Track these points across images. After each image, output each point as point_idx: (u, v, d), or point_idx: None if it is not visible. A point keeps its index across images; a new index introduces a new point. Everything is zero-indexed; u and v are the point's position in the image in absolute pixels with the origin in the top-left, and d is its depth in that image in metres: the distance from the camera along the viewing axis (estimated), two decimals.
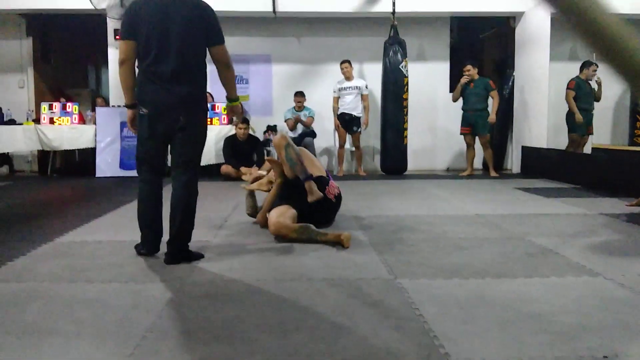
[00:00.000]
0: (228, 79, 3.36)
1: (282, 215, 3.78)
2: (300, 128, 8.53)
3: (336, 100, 8.39)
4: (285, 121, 8.64)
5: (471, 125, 8.12)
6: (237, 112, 3.58)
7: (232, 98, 3.46)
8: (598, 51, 0.37)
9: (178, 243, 3.22)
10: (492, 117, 8.06)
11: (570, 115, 8.18)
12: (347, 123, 8.29)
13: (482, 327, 2.17)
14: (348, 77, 8.30)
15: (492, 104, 8.11)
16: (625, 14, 7.47)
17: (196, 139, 3.26)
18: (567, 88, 8.14)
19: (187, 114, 3.17)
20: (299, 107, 8.58)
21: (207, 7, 3.24)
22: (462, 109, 8.20)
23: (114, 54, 8.13)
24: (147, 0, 3.17)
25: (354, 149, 8.61)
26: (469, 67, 8.10)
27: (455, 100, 8.25)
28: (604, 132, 9.64)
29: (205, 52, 3.27)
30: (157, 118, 3.18)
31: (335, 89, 8.40)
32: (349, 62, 8.33)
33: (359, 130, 8.34)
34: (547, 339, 2.05)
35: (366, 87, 8.35)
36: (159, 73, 3.13)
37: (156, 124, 3.19)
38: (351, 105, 8.26)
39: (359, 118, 8.31)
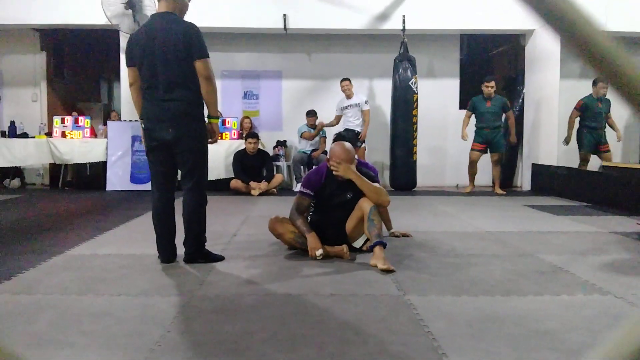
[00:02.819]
0: (207, 94, 3.50)
1: (282, 219, 3.86)
2: (316, 143, 8.58)
3: (338, 118, 8.44)
4: (301, 135, 8.68)
5: (487, 142, 8.07)
6: (211, 131, 3.63)
7: (209, 115, 3.61)
8: (591, 66, 0.38)
9: (190, 244, 3.55)
10: (513, 138, 8.12)
11: (578, 133, 8.18)
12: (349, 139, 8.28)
13: (491, 345, 2.16)
14: (349, 95, 8.31)
15: (510, 124, 8.10)
16: (617, 32, 7.49)
17: (192, 148, 3.50)
18: (574, 108, 8.14)
19: (177, 126, 3.43)
20: (311, 125, 8.65)
21: (190, 26, 3.47)
22: (477, 126, 8.11)
23: (125, 69, 8.21)
24: (140, 31, 3.57)
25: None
26: (493, 82, 7.96)
27: (465, 138, 8.15)
28: (615, 150, 9.59)
29: (192, 67, 3.45)
30: (152, 131, 3.49)
31: (337, 108, 8.44)
32: (349, 80, 8.34)
33: (363, 145, 8.34)
34: (557, 357, 2.04)
35: (366, 103, 8.33)
36: (152, 93, 3.46)
37: (152, 137, 3.50)
38: (353, 122, 8.28)
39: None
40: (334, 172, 3.72)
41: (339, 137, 4.34)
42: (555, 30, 0.38)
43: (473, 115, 8.16)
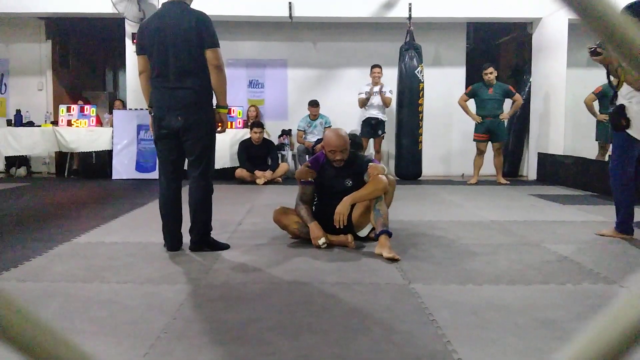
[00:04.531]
0: (217, 83, 3.51)
1: (287, 210, 3.88)
2: (321, 133, 8.55)
3: (362, 101, 8.30)
4: (299, 135, 8.65)
5: (489, 132, 7.91)
6: (220, 120, 3.64)
7: (218, 104, 3.61)
8: (615, 50, 0.37)
9: (196, 232, 3.57)
10: (505, 115, 7.88)
11: (596, 122, 8.01)
12: (373, 127, 8.26)
13: (496, 333, 2.16)
14: (377, 83, 8.26)
15: (515, 105, 7.94)
16: None
17: (200, 137, 3.51)
18: (592, 92, 7.93)
19: (186, 114, 3.45)
20: (314, 116, 8.60)
21: (201, 15, 3.48)
22: (478, 114, 7.95)
23: (131, 58, 8.21)
24: (151, 19, 3.58)
25: (373, 153, 8.57)
26: (491, 69, 7.79)
27: (472, 115, 7.97)
28: None
29: (203, 56, 3.46)
30: (161, 119, 3.49)
31: (362, 90, 8.30)
32: (380, 67, 8.28)
33: (384, 134, 8.33)
34: (562, 346, 2.03)
35: (390, 92, 8.30)
36: (162, 81, 3.47)
37: (161, 125, 3.50)
38: (377, 109, 8.27)
39: (384, 122, 8.30)
40: (330, 158, 3.75)
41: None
42: (575, 13, 0.37)
43: (474, 104, 7.99)
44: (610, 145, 7.83)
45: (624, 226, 4.05)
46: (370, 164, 3.74)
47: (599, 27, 0.36)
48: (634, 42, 0.36)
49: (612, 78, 4.00)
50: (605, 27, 0.36)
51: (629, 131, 3.81)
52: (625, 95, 3.83)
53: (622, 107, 3.80)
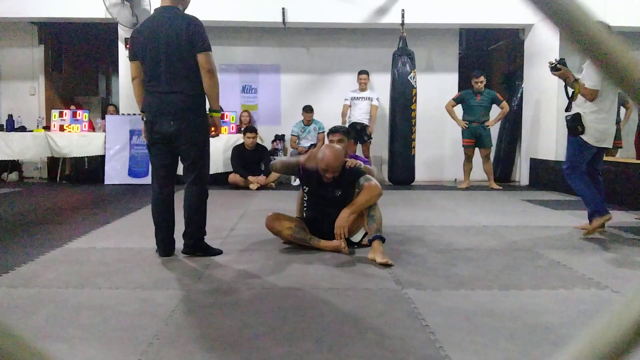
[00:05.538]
0: (209, 87, 3.51)
1: (279, 215, 3.87)
2: (314, 138, 8.56)
3: (346, 107, 8.40)
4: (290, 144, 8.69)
5: (476, 137, 8.01)
6: (213, 125, 3.63)
7: (211, 108, 3.61)
8: (588, 56, 0.38)
9: (190, 237, 3.57)
10: (491, 121, 7.99)
11: None
12: (358, 133, 8.28)
13: (488, 339, 2.17)
14: (363, 89, 8.33)
15: (501, 112, 8.03)
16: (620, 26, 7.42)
17: (194, 141, 3.51)
18: None
19: (180, 119, 3.45)
20: (308, 121, 8.62)
21: (193, 19, 3.48)
22: (465, 120, 8.06)
23: (124, 63, 8.19)
24: (143, 25, 3.58)
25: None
26: (482, 77, 7.92)
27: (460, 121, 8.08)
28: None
29: (195, 60, 3.45)
30: (153, 124, 3.49)
31: (348, 97, 8.41)
32: (367, 73, 8.38)
33: (370, 140, 8.35)
34: (554, 351, 2.04)
35: (377, 99, 8.36)
36: (155, 86, 3.47)
37: (154, 130, 3.50)
38: (363, 115, 8.29)
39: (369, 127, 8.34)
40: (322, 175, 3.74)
41: (334, 129, 4.26)
42: (552, 22, 0.38)
43: (461, 110, 8.10)
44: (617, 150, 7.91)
45: (597, 210, 4.28)
46: (364, 176, 3.72)
47: (574, 35, 0.37)
48: (608, 49, 0.37)
49: (569, 90, 4.47)
50: (581, 36, 0.37)
51: (583, 136, 4.28)
52: (579, 105, 4.34)
53: (579, 115, 4.29)
